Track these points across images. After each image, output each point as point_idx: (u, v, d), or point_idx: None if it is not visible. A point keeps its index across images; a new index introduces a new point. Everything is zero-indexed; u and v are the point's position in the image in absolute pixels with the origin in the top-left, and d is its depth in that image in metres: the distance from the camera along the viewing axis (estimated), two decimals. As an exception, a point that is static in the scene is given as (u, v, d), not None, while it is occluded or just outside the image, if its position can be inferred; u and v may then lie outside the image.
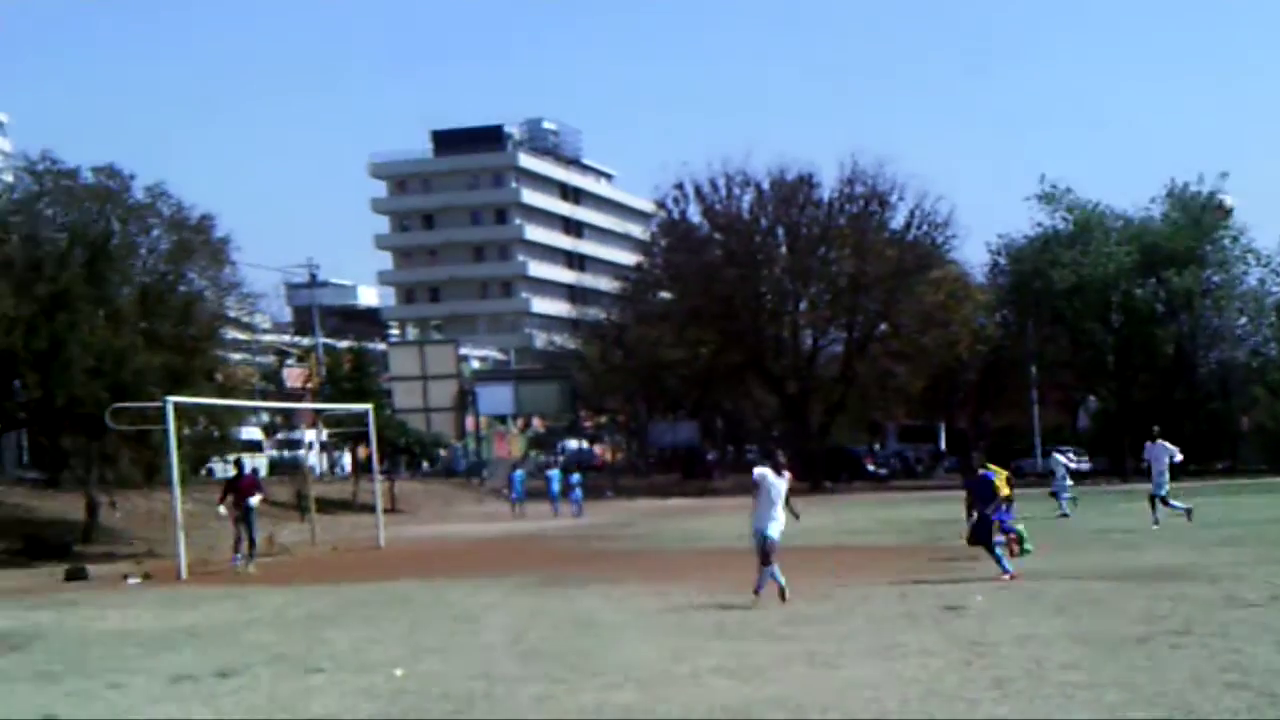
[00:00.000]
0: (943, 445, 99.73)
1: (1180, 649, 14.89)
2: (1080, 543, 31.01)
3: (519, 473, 57.76)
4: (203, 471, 46.12)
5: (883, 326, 79.24)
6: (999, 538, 24.27)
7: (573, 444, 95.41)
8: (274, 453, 70.31)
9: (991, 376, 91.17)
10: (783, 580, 19.93)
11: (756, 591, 19.87)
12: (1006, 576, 22.23)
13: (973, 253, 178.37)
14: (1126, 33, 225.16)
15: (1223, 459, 79.02)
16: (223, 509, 31.30)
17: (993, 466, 26.02)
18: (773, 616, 18.69)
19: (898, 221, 78.61)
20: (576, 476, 56.30)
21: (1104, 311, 77.31)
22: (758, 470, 20.36)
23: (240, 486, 31.36)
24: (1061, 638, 16.02)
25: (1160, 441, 34.94)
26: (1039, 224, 79.60)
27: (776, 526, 19.92)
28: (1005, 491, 25.32)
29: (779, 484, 19.98)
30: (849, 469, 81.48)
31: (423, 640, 17.56)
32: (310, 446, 64.07)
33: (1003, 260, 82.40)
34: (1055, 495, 41.83)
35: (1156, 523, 33.60)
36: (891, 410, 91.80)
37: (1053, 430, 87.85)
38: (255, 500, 31.26)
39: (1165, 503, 34.53)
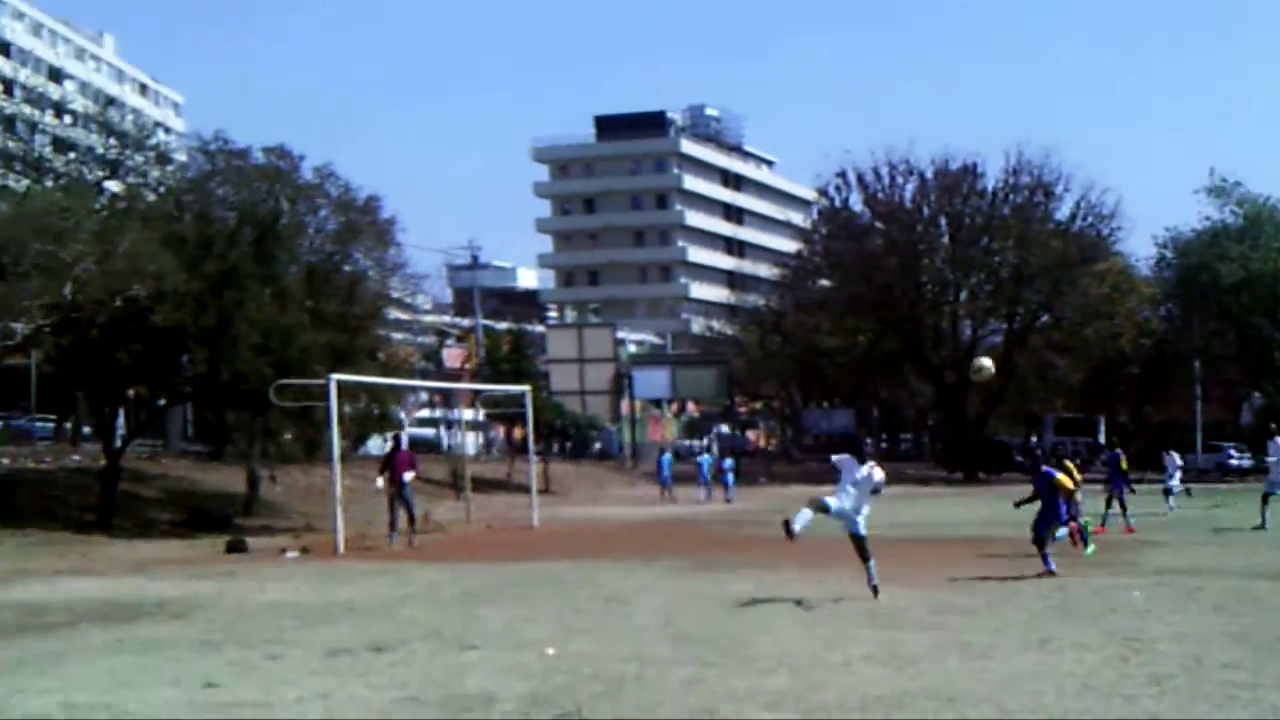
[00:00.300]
0: (1101, 438, 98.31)
1: (1347, 650, 14.59)
2: (1240, 541, 30.44)
3: (667, 456, 57.86)
4: (360, 450, 46.72)
5: (1044, 318, 78.38)
6: (1062, 531, 24.69)
7: (724, 429, 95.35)
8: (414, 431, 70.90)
9: (1154, 370, 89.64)
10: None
11: (873, 587, 19.38)
12: (1047, 571, 22.13)
13: (1138, 245, 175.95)
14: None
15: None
16: (380, 481, 31.60)
17: (1065, 464, 26.83)
18: (923, 606, 18.56)
19: (1063, 213, 77.94)
20: (730, 462, 56.33)
21: (1272, 306, 75.83)
22: (835, 456, 19.81)
23: (396, 462, 31.71)
24: (1220, 636, 15.73)
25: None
26: (1207, 217, 78.41)
27: (861, 520, 19.18)
28: (1069, 486, 24.78)
29: (860, 473, 19.15)
30: (997, 460, 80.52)
31: (574, 620, 17.64)
32: (448, 426, 64.33)
33: (1169, 253, 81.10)
34: (1167, 493, 41.08)
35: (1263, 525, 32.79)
36: (1050, 402, 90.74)
37: (1215, 426, 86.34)
38: (409, 476, 31.58)
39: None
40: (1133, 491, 34.45)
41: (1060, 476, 23.62)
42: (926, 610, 18.20)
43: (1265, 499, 33.32)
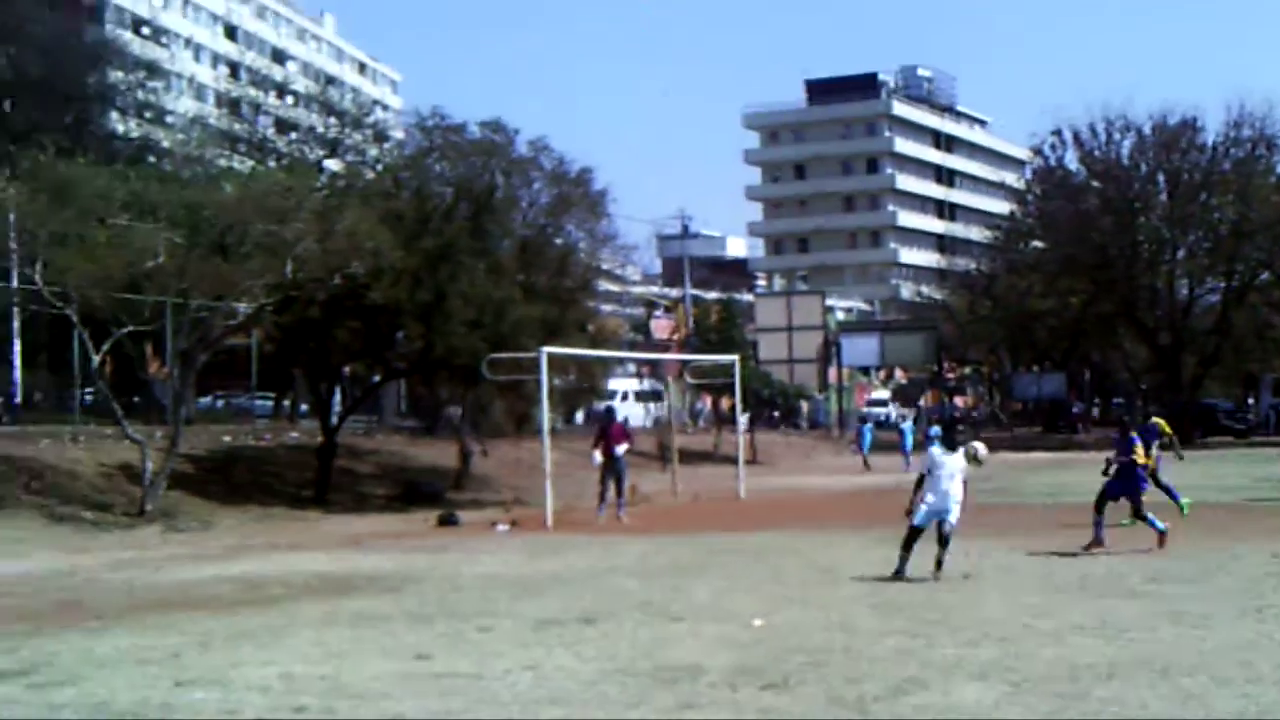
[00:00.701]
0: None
1: None
2: None
3: (868, 425, 57.29)
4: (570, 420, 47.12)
5: (1264, 275, 76.19)
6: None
7: (923, 403, 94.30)
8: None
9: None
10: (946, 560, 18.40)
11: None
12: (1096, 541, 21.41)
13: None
14: None
15: None
16: (597, 455, 31.75)
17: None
18: (1136, 574, 18.28)
19: (1286, 166, 75.60)
20: (935, 429, 55.55)
21: None
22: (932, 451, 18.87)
23: (610, 434, 31.89)
24: None
25: None
26: None
27: (954, 510, 18.34)
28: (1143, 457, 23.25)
29: (949, 462, 18.33)
30: (1204, 424, 78.07)
31: (780, 591, 17.68)
32: (626, 397, 64.21)
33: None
34: None
35: None
36: (1269, 362, 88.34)
37: None
38: (623, 449, 31.73)
39: None
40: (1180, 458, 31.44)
41: (1138, 447, 22.51)
42: (1140, 578, 17.93)
43: None
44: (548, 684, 12.06)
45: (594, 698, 11.49)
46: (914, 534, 18.39)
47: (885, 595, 16.98)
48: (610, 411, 34.17)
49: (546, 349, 31.52)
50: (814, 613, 15.72)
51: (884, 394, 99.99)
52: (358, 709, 11.27)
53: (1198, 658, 12.48)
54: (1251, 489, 35.86)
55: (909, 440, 54.09)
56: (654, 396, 63.61)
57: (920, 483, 18.40)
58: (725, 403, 59.84)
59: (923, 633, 14.16)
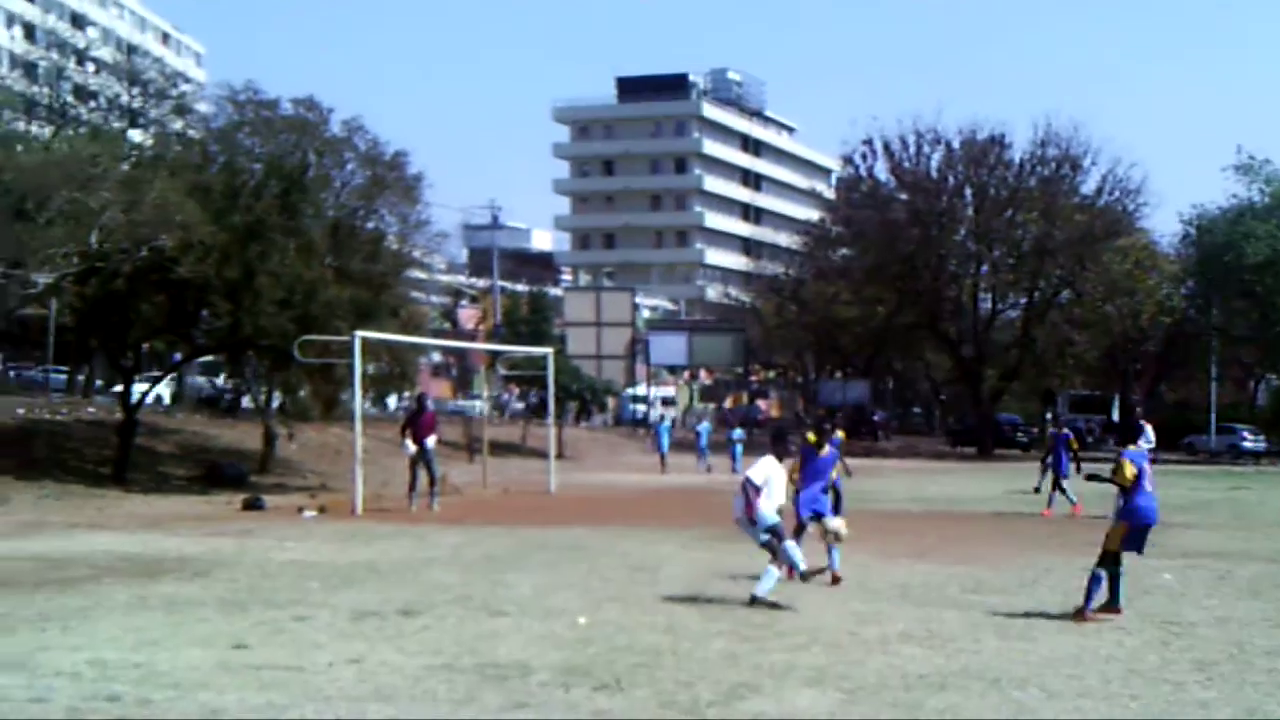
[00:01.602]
0: (1115, 416, 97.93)
1: (1391, 639, 14.37)
2: (1263, 525, 30.18)
3: (665, 424, 57.29)
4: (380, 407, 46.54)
5: (1065, 293, 77.87)
6: None
7: (727, 403, 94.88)
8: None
9: (1171, 349, 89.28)
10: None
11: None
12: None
13: (1163, 222, 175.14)
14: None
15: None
16: (409, 444, 31.24)
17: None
18: (955, 584, 18.35)
19: (1089, 186, 77.28)
20: (738, 432, 55.75)
21: (1296, 288, 75.22)
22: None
23: (420, 424, 31.41)
24: (1260, 621, 15.55)
25: None
26: (1234, 195, 77.75)
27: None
28: None
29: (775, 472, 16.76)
30: (995, 437, 79.56)
31: (602, 589, 17.42)
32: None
33: (1194, 231, 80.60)
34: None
35: None
36: (1068, 379, 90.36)
37: (1229, 407, 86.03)
38: (432, 440, 31.27)
39: None
40: (1077, 471, 32.62)
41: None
42: (959, 589, 17.98)
43: None
44: (373, 679, 11.69)
45: (421, 695, 11.16)
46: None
47: (708, 596, 16.79)
48: (422, 400, 33.66)
49: (360, 333, 31.04)
50: (638, 612, 15.48)
51: (671, 391, 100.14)
52: (176, 701, 10.81)
53: (1026, 669, 12.47)
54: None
55: (705, 440, 54.25)
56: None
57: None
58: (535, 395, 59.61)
59: (750, 636, 13.99)
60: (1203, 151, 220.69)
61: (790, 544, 16.64)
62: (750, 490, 16.21)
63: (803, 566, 16.69)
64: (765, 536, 16.31)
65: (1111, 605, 15.39)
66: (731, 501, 17.11)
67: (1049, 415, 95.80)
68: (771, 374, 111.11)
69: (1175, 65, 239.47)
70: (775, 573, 16.28)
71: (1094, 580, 15.39)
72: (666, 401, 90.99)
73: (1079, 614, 15.30)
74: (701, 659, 12.75)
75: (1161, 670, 12.57)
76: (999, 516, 31.70)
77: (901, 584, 18.12)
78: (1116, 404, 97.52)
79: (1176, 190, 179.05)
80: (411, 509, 30.17)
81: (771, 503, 16.36)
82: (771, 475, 16.47)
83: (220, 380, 44.73)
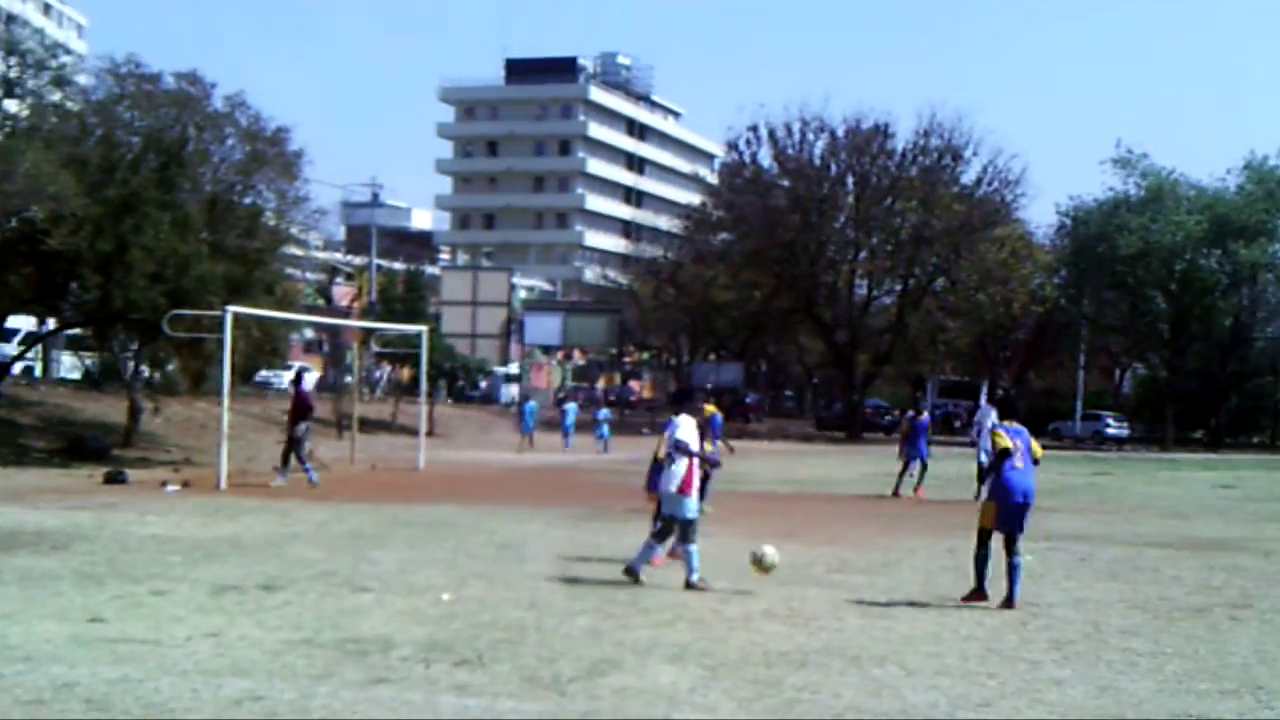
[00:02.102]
0: (983, 402, 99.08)
1: (1240, 622, 14.64)
2: (1125, 510, 30.69)
3: (530, 404, 57.20)
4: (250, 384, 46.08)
5: (940, 281, 78.76)
6: None
7: (600, 385, 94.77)
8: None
9: (1041, 337, 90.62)
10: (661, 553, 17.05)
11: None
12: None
13: (1041, 213, 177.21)
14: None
15: (1261, 433, 78.90)
16: (303, 425, 30.98)
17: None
18: (820, 563, 18.47)
19: (969, 176, 78.26)
20: (604, 412, 55.70)
21: (1166, 280, 76.78)
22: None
23: (299, 401, 31.19)
24: (1117, 603, 15.78)
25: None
26: (1111, 188, 79.14)
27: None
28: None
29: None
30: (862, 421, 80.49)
31: (468, 566, 17.34)
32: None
33: (1070, 222, 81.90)
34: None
35: None
36: (939, 365, 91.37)
37: (1095, 395, 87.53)
38: (303, 426, 31.04)
39: None
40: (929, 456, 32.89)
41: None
42: (823, 568, 18.11)
43: None
44: (230, 653, 11.55)
45: (280, 669, 11.03)
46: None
47: (574, 574, 16.78)
48: (299, 377, 33.38)
49: (232, 308, 30.72)
50: (503, 589, 15.44)
51: (514, 369, 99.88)
52: (26, 674, 10.58)
53: (886, 648, 12.56)
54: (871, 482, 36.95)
55: (571, 419, 54.27)
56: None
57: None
58: (407, 373, 59.24)
59: (614, 613, 13.99)
60: (1084, 144, 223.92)
61: (695, 549, 16.17)
62: (686, 452, 16.13)
63: (696, 577, 16.00)
64: (692, 515, 16.22)
65: (977, 589, 15.42)
66: (648, 474, 17.39)
67: (919, 400, 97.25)
68: (646, 356, 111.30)
69: (1060, 59, 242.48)
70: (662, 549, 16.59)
71: (979, 561, 15.44)
72: (510, 379, 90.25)
73: (973, 595, 15.37)
74: (565, 635, 12.73)
75: (1019, 649, 12.72)
76: (865, 499, 31.98)
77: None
78: (985, 390, 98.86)
79: (1056, 182, 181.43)
80: (284, 485, 29.89)
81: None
82: (693, 435, 16.33)
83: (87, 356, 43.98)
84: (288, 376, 42.51)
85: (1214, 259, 75.41)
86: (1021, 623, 14.18)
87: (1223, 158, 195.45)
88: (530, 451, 50.08)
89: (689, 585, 15.83)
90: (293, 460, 30.61)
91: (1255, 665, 12.23)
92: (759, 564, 16.00)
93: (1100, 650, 12.77)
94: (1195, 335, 78.52)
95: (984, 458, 26.94)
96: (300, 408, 31.04)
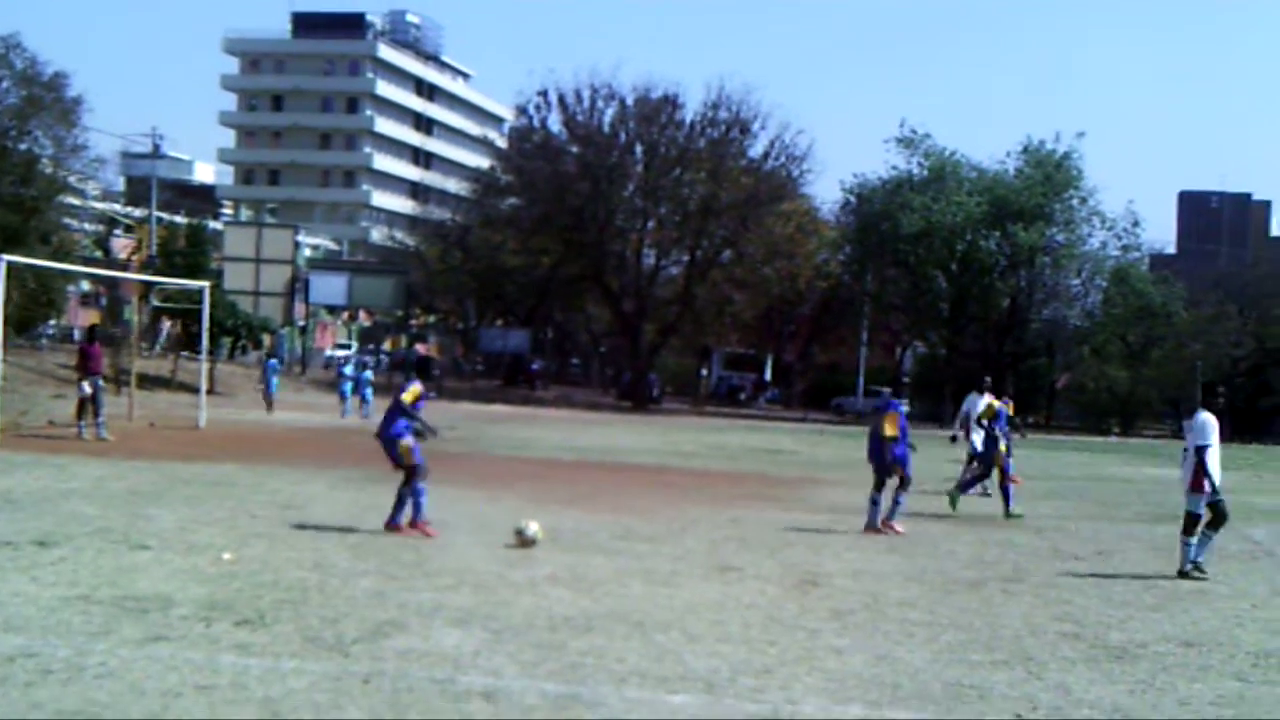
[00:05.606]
0: (768, 376, 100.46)
1: (1013, 595, 14.98)
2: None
3: (273, 362, 55.69)
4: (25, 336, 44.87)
5: (727, 253, 79.45)
6: None
7: (356, 351, 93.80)
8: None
9: (825, 313, 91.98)
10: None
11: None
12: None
13: (826, 190, 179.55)
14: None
15: (1037, 414, 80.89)
16: (86, 386, 30.33)
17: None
18: (604, 531, 18.56)
19: (756, 150, 78.95)
20: (368, 374, 55.06)
21: (947, 259, 78.23)
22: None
23: (91, 356, 30.56)
24: (895, 575, 16.05)
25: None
26: (895, 167, 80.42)
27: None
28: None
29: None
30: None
31: (249, 526, 17.12)
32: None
33: (854, 199, 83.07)
34: None
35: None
36: (725, 336, 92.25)
37: (876, 371, 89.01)
38: (96, 377, 30.43)
39: None
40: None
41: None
42: (608, 535, 18.19)
43: None
44: (3, 609, 11.28)
45: (55, 625, 10.79)
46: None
47: (358, 536, 16.66)
48: (93, 332, 32.54)
49: (6, 257, 29.84)
50: (286, 550, 15.27)
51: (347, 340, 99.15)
52: None
53: (670, 614, 12.66)
54: (705, 455, 37.32)
55: (347, 385, 53.41)
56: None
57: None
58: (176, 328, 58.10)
59: (398, 576, 13.94)
60: (871, 123, 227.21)
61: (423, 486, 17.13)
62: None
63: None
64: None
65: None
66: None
67: (703, 372, 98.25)
68: (432, 319, 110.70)
69: (849, 38, 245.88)
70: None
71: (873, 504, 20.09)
72: (342, 347, 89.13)
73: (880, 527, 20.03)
74: (348, 596, 12.64)
75: (800, 618, 12.90)
76: (650, 469, 32.15)
77: (550, 528, 18.15)
78: (769, 363, 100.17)
79: (842, 160, 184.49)
80: (83, 437, 29.49)
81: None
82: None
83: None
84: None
85: (993, 240, 76.96)
86: (802, 592, 14.39)
87: (1004, 140, 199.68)
88: (272, 412, 47.87)
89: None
90: (99, 411, 30.09)
91: (1026, 637, 12.54)
92: (520, 536, 16.64)
93: (878, 620, 13.00)
94: (974, 315, 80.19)
95: (976, 446, 27.12)
96: (86, 363, 30.37)
